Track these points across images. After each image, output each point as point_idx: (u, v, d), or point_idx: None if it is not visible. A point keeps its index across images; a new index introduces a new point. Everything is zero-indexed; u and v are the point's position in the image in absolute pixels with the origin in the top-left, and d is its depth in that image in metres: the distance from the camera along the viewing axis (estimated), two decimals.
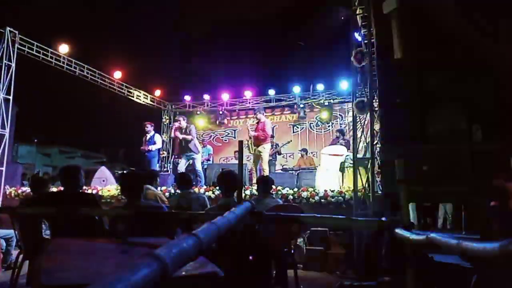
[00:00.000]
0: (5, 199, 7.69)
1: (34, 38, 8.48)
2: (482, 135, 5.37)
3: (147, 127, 8.55)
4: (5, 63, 7.67)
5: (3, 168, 7.66)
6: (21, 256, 3.51)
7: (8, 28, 7.77)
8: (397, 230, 1.66)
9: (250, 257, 3.05)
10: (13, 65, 7.79)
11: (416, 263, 1.77)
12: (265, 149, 7.44)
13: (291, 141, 10.42)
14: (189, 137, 7.68)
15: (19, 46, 8.03)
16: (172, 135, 8.60)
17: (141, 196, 3.18)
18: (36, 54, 8.52)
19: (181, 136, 7.75)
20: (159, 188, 6.53)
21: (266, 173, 7.32)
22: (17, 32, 7.96)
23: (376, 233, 4.69)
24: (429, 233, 1.27)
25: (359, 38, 5.71)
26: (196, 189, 6.93)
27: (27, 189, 7.77)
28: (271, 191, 4.28)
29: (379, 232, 4.56)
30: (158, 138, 8.68)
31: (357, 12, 5.79)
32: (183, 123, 7.90)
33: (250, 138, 7.78)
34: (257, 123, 7.71)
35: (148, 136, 8.48)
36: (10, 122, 7.80)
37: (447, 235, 1.18)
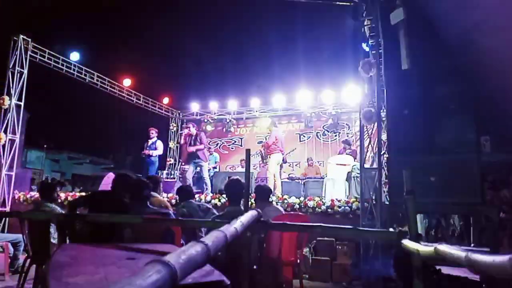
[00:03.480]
0: (14, 203, 7.77)
1: (45, 46, 8.65)
2: (491, 147, 5.32)
3: (152, 133, 8.62)
4: (17, 69, 7.82)
5: (13, 173, 7.75)
6: (28, 260, 3.55)
7: (21, 36, 7.95)
8: (405, 241, 1.65)
9: (255, 266, 3.04)
10: (25, 72, 7.94)
11: (423, 275, 1.75)
12: (271, 159, 7.69)
13: (295, 149, 10.43)
14: (201, 147, 7.77)
15: (31, 54, 8.19)
16: (182, 141, 8.70)
17: (147, 202, 3.21)
18: (48, 61, 8.68)
19: (194, 149, 7.80)
20: (164, 195, 6.56)
21: (269, 182, 7.38)
22: (30, 40, 8.13)
23: (383, 244, 4.64)
24: (437, 245, 1.26)
25: (367, 49, 5.72)
26: (202, 197, 6.95)
27: (35, 194, 7.85)
28: (271, 199, 4.26)
29: (386, 243, 4.51)
30: (160, 144, 8.67)
31: (365, 23, 5.81)
32: (193, 130, 7.98)
33: (263, 147, 8.27)
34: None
35: (150, 141, 8.52)
36: (20, 127, 7.92)
37: (456, 247, 1.17)
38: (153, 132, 8.64)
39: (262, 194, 4.01)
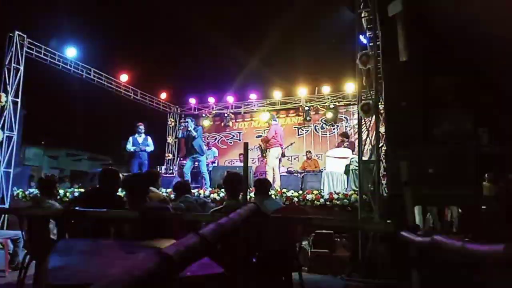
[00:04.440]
0: (12, 200, 7.78)
1: (41, 42, 8.59)
2: (488, 138, 5.34)
3: (141, 128, 8.32)
4: (13, 66, 7.78)
5: (11, 170, 7.74)
6: (28, 257, 3.56)
7: (17, 32, 7.89)
8: (403, 233, 1.66)
9: (254, 259, 3.06)
10: (22, 68, 7.90)
11: (421, 265, 1.77)
12: (270, 153, 7.73)
13: (293, 143, 10.46)
14: (193, 133, 7.73)
15: (27, 50, 8.14)
16: (180, 135, 8.62)
17: (146, 197, 3.21)
18: (44, 57, 8.63)
19: (187, 132, 7.80)
20: (163, 190, 6.57)
21: (268, 176, 7.40)
22: (25, 36, 8.07)
23: (381, 236, 4.67)
24: (434, 235, 1.27)
25: (365, 41, 5.71)
26: (201, 191, 6.97)
27: (34, 191, 7.85)
28: (270, 193, 4.29)
29: (385, 235, 4.54)
30: (151, 140, 8.48)
31: (362, 15, 5.79)
32: (191, 124, 7.96)
33: (262, 141, 8.36)
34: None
35: (142, 137, 8.30)
36: (18, 124, 7.89)
37: (452, 238, 1.18)
38: (143, 128, 8.36)
39: (261, 187, 4.01)
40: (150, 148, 8.41)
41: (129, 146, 8.24)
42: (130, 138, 8.29)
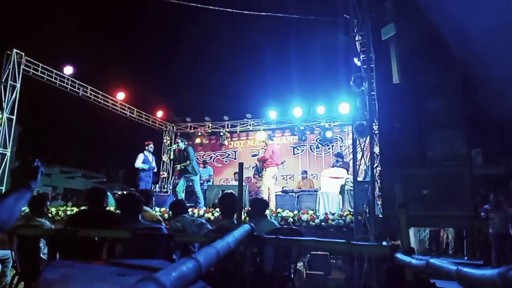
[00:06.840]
0: None
1: (39, 59, 8.65)
2: (482, 159, 5.38)
3: (151, 147, 8.37)
4: (10, 83, 7.79)
5: (3, 188, 7.63)
6: (16, 277, 3.47)
7: (15, 50, 7.95)
8: (398, 255, 1.65)
9: (249, 282, 3.01)
10: (18, 85, 7.91)
11: None
12: (266, 172, 7.72)
13: (285, 161, 10.48)
14: (187, 163, 7.72)
15: (25, 67, 8.17)
16: (172, 156, 8.65)
17: (139, 217, 3.17)
18: (41, 75, 8.67)
19: (179, 167, 7.84)
20: (157, 209, 6.50)
21: (263, 195, 7.36)
22: (23, 54, 8.13)
23: (377, 258, 4.63)
24: (429, 259, 1.26)
25: (359, 63, 5.81)
26: (195, 211, 6.90)
27: (25, 209, 7.71)
28: (266, 213, 4.24)
29: (380, 257, 4.49)
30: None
31: (356, 38, 5.92)
32: (181, 145, 8.00)
33: (258, 161, 8.47)
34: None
35: (151, 156, 8.37)
36: (12, 141, 7.84)
37: (447, 261, 1.17)
38: (152, 147, 8.43)
39: (258, 207, 3.96)
40: (155, 167, 8.58)
41: (140, 163, 8.14)
42: (142, 155, 8.20)
